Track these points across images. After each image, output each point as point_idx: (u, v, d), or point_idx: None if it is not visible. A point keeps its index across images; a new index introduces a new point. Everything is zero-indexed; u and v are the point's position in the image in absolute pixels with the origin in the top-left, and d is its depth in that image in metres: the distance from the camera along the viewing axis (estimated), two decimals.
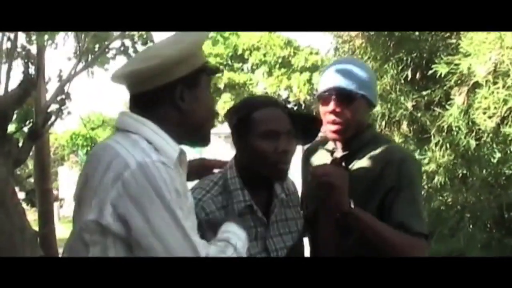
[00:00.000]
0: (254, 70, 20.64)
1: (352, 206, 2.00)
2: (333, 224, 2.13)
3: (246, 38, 19.94)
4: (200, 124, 1.71)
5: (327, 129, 2.22)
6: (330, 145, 2.32)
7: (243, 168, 2.10)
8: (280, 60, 20.52)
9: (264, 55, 20.19)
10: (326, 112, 2.18)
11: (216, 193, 2.08)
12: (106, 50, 6.16)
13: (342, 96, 2.16)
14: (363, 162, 2.19)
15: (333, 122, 2.18)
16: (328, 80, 2.20)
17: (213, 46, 19.89)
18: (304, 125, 2.12)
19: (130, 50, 6.15)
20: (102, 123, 19.17)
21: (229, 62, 20.31)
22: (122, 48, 6.09)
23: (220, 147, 17.37)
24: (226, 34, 19.72)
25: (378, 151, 2.19)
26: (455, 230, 4.15)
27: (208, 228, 1.90)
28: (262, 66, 20.28)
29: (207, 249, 1.55)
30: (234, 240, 1.73)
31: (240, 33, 19.43)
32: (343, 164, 2.22)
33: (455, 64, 3.86)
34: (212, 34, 19.23)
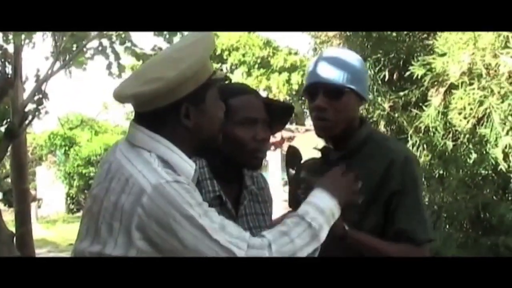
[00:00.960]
0: (233, 70, 20.59)
1: (347, 228, 1.88)
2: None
3: (225, 39, 19.90)
4: (210, 137, 1.69)
5: (314, 126, 2.09)
6: (320, 145, 2.18)
7: (214, 157, 2.01)
8: (259, 61, 20.50)
9: (243, 55, 20.15)
10: (312, 108, 2.05)
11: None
12: (84, 49, 6.10)
13: (328, 91, 2.00)
14: (363, 163, 2.00)
15: (319, 119, 2.04)
16: (314, 73, 2.05)
17: None
18: (276, 113, 2.03)
19: (108, 50, 6.10)
20: (80, 123, 19.02)
21: None
22: (100, 48, 6.05)
23: None
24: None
25: (378, 150, 2.04)
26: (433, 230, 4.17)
27: None
28: (241, 67, 20.23)
29: (251, 241, 1.56)
30: (311, 214, 1.64)
31: (219, 33, 19.39)
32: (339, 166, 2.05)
33: (429, 64, 3.87)
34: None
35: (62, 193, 19.08)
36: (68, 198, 19.40)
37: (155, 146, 1.58)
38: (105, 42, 6.05)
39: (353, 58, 2.08)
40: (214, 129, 1.69)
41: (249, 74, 20.21)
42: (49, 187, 18.74)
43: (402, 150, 2.10)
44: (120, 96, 1.63)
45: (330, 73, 2.01)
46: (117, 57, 6.17)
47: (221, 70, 20.10)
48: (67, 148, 18.36)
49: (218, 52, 20.03)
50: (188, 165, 1.61)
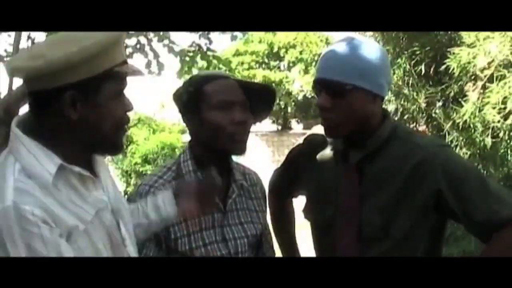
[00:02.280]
0: (290, 68, 20.48)
1: None
2: (356, 234, 1.87)
3: (282, 36, 19.81)
4: (100, 136, 1.48)
5: (323, 127, 1.92)
6: (341, 145, 1.96)
7: (198, 148, 1.99)
8: (316, 58, 20.31)
9: (300, 52, 19.98)
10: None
11: (169, 178, 1.97)
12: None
13: (330, 89, 1.81)
14: (387, 164, 1.84)
15: (323, 119, 1.87)
16: (318, 68, 1.86)
17: (249, 44, 19.83)
18: (257, 96, 1.97)
19: (147, 48, 6.08)
20: (138, 121, 19.28)
21: (265, 60, 20.19)
22: (138, 46, 6.04)
23: (257, 145, 17.33)
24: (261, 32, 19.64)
25: (404, 147, 1.83)
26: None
27: None
28: (298, 64, 20.09)
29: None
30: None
31: None
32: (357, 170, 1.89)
33: (459, 57, 3.66)
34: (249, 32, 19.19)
35: (120, 191, 19.40)
36: (125, 196, 19.62)
37: (19, 151, 1.42)
38: (143, 40, 6.02)
39: (364, 49, 1.83)
40: (106, 128, 1.47)
41: (306, 71, 20.02)
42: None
43: (430, 145, 1.85)
44: (7, 68, 1.44)
45: (333, 69, 1.82)
46: (156, 55, 6.13)
47: (278, 67, 20.03)
48: (124, 147, 18.60)
49: (275, 49, 19.96)
50: (44, 170, 1.39)
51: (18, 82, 4.45)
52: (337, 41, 1.90)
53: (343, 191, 1.92)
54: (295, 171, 2.15)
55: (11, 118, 1.52)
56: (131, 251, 1.61)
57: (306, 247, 2.13)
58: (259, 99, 1.98)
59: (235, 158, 2.06)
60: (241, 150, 1.94)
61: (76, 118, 1.42)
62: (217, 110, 1.89)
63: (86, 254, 1.42)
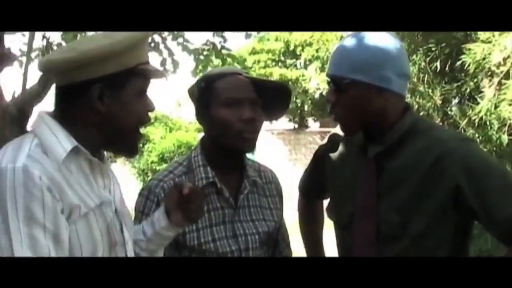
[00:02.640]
0: (306, 66, 20.40)
1: None
2: (373, 231, 1.84)
3: (298, 34, 19.73)
4: (121, 132, 1.53)
5: None
6: (361, 141, 1.94)
7: (209, 144, 1.98)
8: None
9: (317, 50, 19.88)
10: None
11: (179, 173, 1.97)
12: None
13: (334, 84, 1.83)
14: (405, 158, 1.80)
15: (333, 115, 1.88)
16: (328, 64, 1.88)
17: (265, 42, 19.80)
18: (270, 94, 1.94)
19: (161, 46, 6.08)
20: (154, 119, 19.31)
21: (282, 58, 20.14)
22: (152, 44, 6.03)
23: (273, 143, 17.29)
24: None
25: (424, 142, 1.78)
26: (485, 230, 3.90)
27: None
28: (314, 62, 20.00)
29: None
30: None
31: None
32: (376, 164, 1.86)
33: (474, 53, 3.60)
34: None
35: (136, 189, 19.49)
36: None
37: (39, 128, 1.48)
38: (157, 38, 6.01)
39: (366, 43, 1.81)
40: (128, 124, 1.53)
41: (322, 69, 19.92)
42: (124, 184, 19.09)
43: (451, 139, 1.79)
44: (41, 63, 1.52)
45: (334, 64, 1.84)
46: (171, 53, 6.13)
47: (295, 65, 19.97)
48: (141, 145, 18.68)
49: (292, 48, 19.90)
50: (61, 148, 1.44)
51: (32, 81, 4.49)
52: (346, 36, 1.89)
53: (360, 186, 1.90)
54: (322, 170, 2.12)
55: (24, 118, 1.59)
56: (132, 253, 1.65)
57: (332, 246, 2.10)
58: (273, 97, 1.95)
59: (250, 155, 2.06)
60: (250, 148, 1.93)
61: (103, 111, 1.48)
62: (225, 107, 1.89)
63: (81, 238, 1.44)
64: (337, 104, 1.84)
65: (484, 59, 3.54)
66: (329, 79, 1.86)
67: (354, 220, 1.89)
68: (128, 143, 1.57)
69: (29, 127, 1.55)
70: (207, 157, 1.97)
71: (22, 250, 1.31)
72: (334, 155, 2.04)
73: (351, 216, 1.90)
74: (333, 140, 2.08)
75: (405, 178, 1.78)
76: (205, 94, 1.94)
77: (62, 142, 1.45)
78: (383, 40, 1.82)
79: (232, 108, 1.88)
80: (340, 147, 2.03)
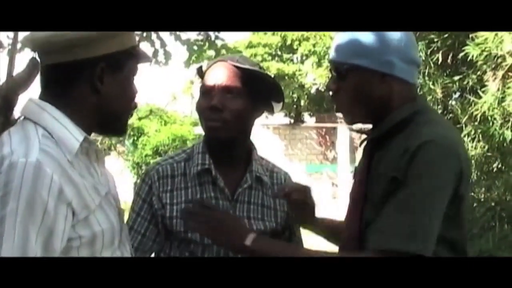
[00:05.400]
0: (303, 60, 20.37)
1: (251, 238, 1.66)
2: (356, 224, 1.74)
3: None
4: (117, 113, 1.54)
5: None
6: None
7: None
8: (329, 51, 20.18)
9: (314, 45, 19.86)
10: None
11: (180, 159, 1.98)
12: None
13: (334, 70, 1.76)
14: (386, 152, 1.67)
15: (335, 104, 1.82)
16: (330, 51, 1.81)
17: (261, 36, 19.71)
18: (262, 85, 1.91)
19: (153, 36, 5.91)
20: (149, 113, 19.25)
21: (278, 52, 20.09)
22: (144, 34, 5.87)
23: (269, 138, 17.24)
24: None
25: (409, 136, 1.61)
26: (485, 230, 3.78)
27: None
28: (311, 57, 19.97)
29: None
30: None
31: None
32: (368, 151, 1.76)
33: (485, 43, 3.45)
34: None
35: (130, 182, 19.40)
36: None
37: (41, 116, 1.42)
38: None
39: None
40: (123, 105, 1.55)
41: (319, 64, 19.90)
42: (118, 177, 19.05)
43: (427, 134, 1.59)
44: (33, 40, 1.47)
45: (336, 49, 1.74)
46: (163, 44, 5.97)
47: (291, 60, 19.89)
48: (135, 138, 18.59)
49: (289, 42, 19.85)
50: (73, 138, 1.42)
51: (19, 68, 4.33)
52: None
53: (355, 177, 1.83)
54: None
55: (9, 106, 1.56)
56: (129, 239, 1.69)
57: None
58: (264, 89, 1.92)
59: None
60: (214, 136, 1.91)
61: (103, 92, 1.47)
62: (201, 96, 1.92)
63: (102, 224, 1.44)
64: (337, 92, 1.76)
65: (496, 47, 3.38)
66: (331, 67, 1.79)
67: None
68: (121, 124, 1.57)
69: (16, 115, 1.52)
70: (208, 144, 1.97)
71: (11, 248, 1.28)
72: None
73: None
74: None
75: (381, 172, 1.66)
76: (200, 83, 1.97)
77: (73, 133, 1.43)
78: None
79: (204, 96, 1.90)
80: None
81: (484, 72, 3.90)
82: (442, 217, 1.57)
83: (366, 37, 1.69)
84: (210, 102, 1.86)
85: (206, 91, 1.89)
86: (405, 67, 1.70)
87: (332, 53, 1.77)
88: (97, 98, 1.48)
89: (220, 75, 1.89)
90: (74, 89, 1.46)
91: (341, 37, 1.74)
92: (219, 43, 6.04)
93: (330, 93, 1.79)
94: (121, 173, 19.31)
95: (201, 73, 1.97)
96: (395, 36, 1.69)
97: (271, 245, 1.74)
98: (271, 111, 2.01)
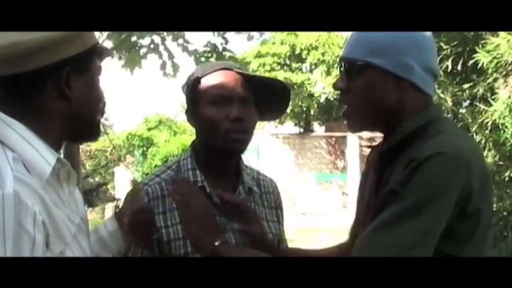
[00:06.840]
0: (312, 70, 20.39)
1: (218, 243, 1.58)
2: None
3: (304, 38, 19.70)
4: (90, 116, 1.43)
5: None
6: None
7: (199, 146, 1.86)
8: (338, 59, 20.13)
9: (323, 54, 19.87)
10: None
11: (166, 177, 1.84)
12: (137, 48, 5.92)
13: (346, 68, 1.56)
14: (393, 167, 1.50)
15: (343, 103, 1.61)
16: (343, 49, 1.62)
17: (270, 45, 19.73)
18: (267, 92, 1.82)
19: (161, 48, 5.91)
20: (159, 123, 19.27)
21: (287, 61, 20.11)
22: (152, 46, 5.87)
23: (278, 148, 17.22)
24: (284, 33, 19.47)
25: (416, 150, 1.43)
26: (498, 240, 3.72)
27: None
28: (320, 66, 19.97)
29: None
30: None
31: (297, 32, 19.17)
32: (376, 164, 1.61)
33: (496, 50, 3.40)
34: (270, 34, 19.07)
35: None
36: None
37: (8, 136, 1.29)
38: (157, 39, 5.85)
39: None
40: (95, 108, 1.44)
41: (328, 73, 19.89)
42: (128, 188, 19.02)
43: (438, 146, 1.42)
44: None
45: (350, 46, 1.56)
46: (171, 55, 5.96)
47: (300, 69, 19.87)
48: (145, 149, 18.62)
49: (297, 51, 19.86)
50: (43, 161, 1.29)
51: None
52: None
53: (366, 192, 1.67)
54: None
55: None
56: None
57: None
58: (269, 94, 1.83)
59: (255, 159, 1.93)
60: (237, 149, 1.82)
61: (72, 96, 1.35)
62: (212, 105, 1.77)
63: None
64: (346, 91, 1.57)
65: (508, 54, 3.33)
66: (341, 65, 1.59)
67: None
68: (94, 127, 1.47)
69: None
70: (197, 159, 1.85)
71: None
72: None
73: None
74: None
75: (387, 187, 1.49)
76: (193, 91, 1.82)
77: (45, 155, 1.30)
78: None
79: (219, 106, 1.77)
80: None
81: (495, 80, 3.84)
82: (437, 237, 1.41)
83: (384, 35, 1.52)
84: (231, 113, 1.75)
85: (221, 101, 1.77)
86: (423, 74, 1.53)
87: (344, 51, 1.59)
88: (66, 105, 1.36)
89: (233, 83, 1.79)
90: (39, 99, 1.33)
91: (356, 35, 1.58)
92: (226, 54, 6.03)
93: (338, 92, 1.61)
94: (131, 183, 19.29)
95: (197, 80, 1.82)
96: (417, 37, 1.53)
97: (240, 251, 1.67)
98: (273, 118, 1.98)
